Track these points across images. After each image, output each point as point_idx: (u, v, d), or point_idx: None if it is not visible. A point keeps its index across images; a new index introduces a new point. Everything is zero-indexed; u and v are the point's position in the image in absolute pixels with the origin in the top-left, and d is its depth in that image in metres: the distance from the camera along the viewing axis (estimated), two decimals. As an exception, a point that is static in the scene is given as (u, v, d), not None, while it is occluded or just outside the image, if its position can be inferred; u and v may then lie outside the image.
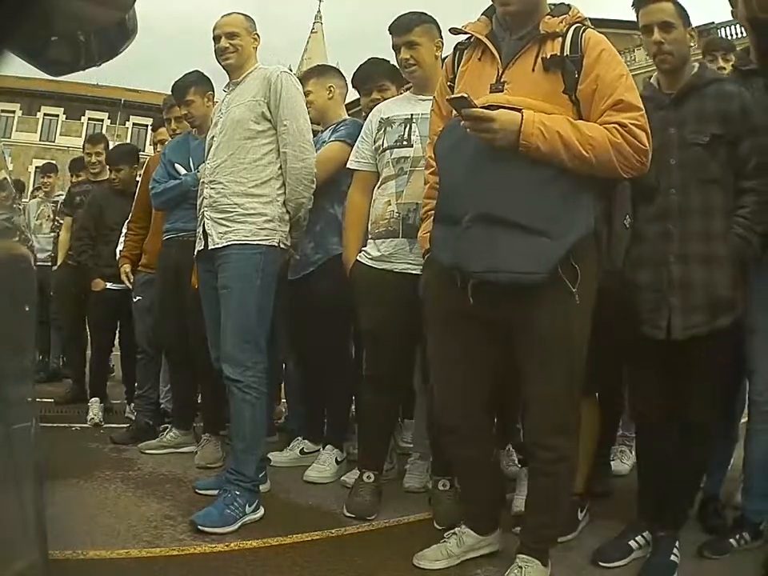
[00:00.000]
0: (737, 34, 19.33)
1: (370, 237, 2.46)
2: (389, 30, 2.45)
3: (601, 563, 2.00)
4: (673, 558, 1.94)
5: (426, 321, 1.97)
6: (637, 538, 2.07)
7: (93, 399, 3.87)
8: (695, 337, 1.92)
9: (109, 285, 3.86)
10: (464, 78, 1.85)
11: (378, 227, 2.41)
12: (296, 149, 2.42)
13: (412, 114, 2.41)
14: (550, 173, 1.66)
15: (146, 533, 2.13)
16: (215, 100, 3.01)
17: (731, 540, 2.06)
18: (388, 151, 2.42)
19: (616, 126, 1.66)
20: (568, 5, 1.82)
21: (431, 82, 2.32)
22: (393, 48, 2.45)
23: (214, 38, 2.56)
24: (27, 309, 1.05)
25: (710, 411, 1.99)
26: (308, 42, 44.43)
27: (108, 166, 4.07)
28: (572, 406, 1.79)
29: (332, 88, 3.02)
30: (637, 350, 2.07)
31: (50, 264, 4.85)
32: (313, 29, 44.87)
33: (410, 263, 2.31)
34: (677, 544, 1.97)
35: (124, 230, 3.72)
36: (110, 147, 4.46)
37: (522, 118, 1.63)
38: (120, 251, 3.69)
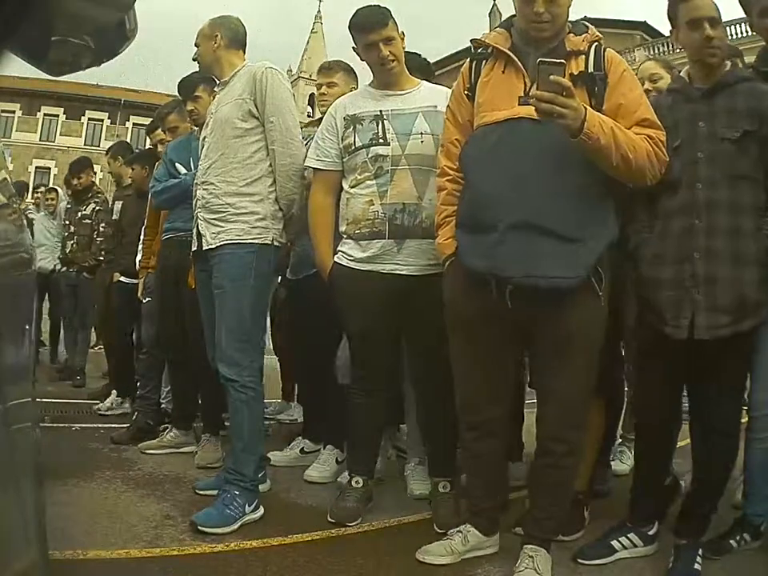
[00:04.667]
0: (736, 34, 19.33)
1: (347, 237, 2.38)
2: (360, 27, 2.31)
3: (579, 560, 2.01)
4: (696, 566, 1.90)
5: (450, 323, 2.01)
6: (621, 539, 2.06)
7: (113, 392, 4.11)
8: (718, 338, 1.85)
9: (122, 278, 4.05)
10: (489, 88, 1.92)
11: (360, 228, 2.32)
12: (284, 145, 2.40)
13: (381, 111, 2.34)
14: (581, 182, 1.77)
15: (146, 533, 2.13)
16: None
17: (731, 540, 2.05)
18: (363, 150, 2.34)
19: (646, 137, 1.79)
20: (585, 24, 1.94)
21: (403, 77, 2.38)
22: (365, 47, 2.32)
23: None
24: (26, 308, 1.05)
25: (734, 416, 1.97)
26: (308, 42, 44.45)
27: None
28: (588, 401, 1.92)
29: (353, 88, 3.00)
30: (650, 350, 2.04)
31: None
32: (313, 29, 44.90)
33: (398, 264, 2.28)
34: (699, 552, 1.93)
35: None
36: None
37: (586, 111, 1.69)
38: (139, 261, 3.72)
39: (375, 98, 2.40)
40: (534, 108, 1.71)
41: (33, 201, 7.48)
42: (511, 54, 1.88)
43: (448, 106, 2.10)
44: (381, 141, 2.33)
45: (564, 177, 1.76)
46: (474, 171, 1.90)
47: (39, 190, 6.64)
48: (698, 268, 1.88)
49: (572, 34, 1.88)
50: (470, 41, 2.04)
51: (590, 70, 1.83)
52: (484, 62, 1.96)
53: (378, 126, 2.34)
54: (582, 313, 1.80)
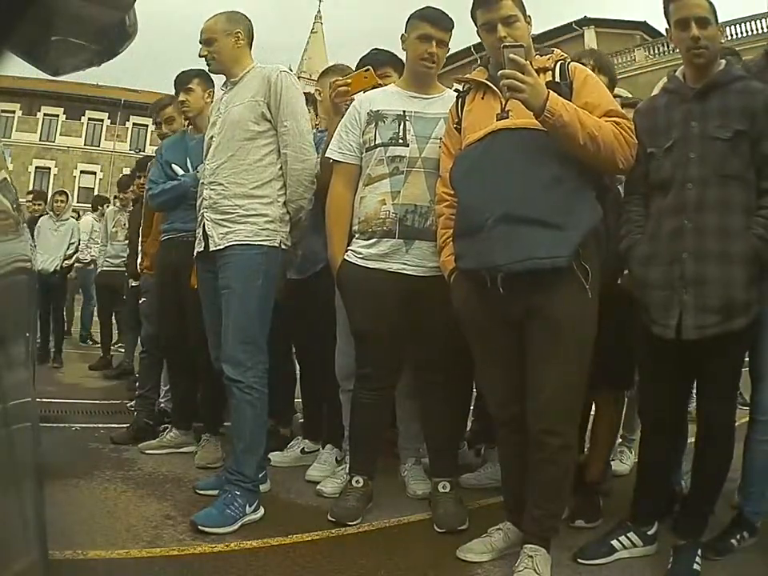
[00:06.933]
0: (736, 34, 19.33)
1: (358, 235, 2.39)
2: (427, 19, 2.34)
3: (580, 560, 2.01)
4: (696, 566, 1.90)
5: (465, 331, 2.07)
6: (620, 539, 2.06)
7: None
8: (708, 337, 1.86)
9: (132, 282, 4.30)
10: (471, 114, 2.09)
11: (371, 227, 2.34)
12: (296, 150, 2.41)
13: (404, 111, 2.36)
14: (557, 173, 1.86)
15: (146, 533, 2.13)
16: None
17: (732, 540, 2.05)
18: (381, 148, 2.35)
19: (612, 122, 1.90)
20: (551, 48, 2.15)
21: (434, 82, 2.46)
22: (420, 37, 2.34)
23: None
24: (24, 308, 1.05)
25: (729, 415, 1.97)
26: (308, 42, 44.45)
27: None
28: (581, 394, 1.93)
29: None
30: (648, 349, 2.04)
31: (123, 270, 5.19)
32: (313, 29, 44.90)
33: (406, 264, 2.30)
34: (699, 552, 1.93)
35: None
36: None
37: (548, 93, 1.82)
38: (139, 263, 3.72)
39: (401, 97, 2.42)
40: (512, 120, 1.91)
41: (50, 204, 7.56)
42: (488, 82, 2.05)
43: (443, 140, 2.23)
44: (400, 141, 2.35)
45: (540, 170, 1.86)
46: (461, 186, 2.03)
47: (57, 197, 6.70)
48: (687, 268, 1.89)
49: (538, 56, 2.06)
50: (454, 79, 2.33)
51: (557, 80, 1.98)
52: (467, 97, 2.15)
53: (399, 125, 2.36)
54: (569, 305, 1.85)
